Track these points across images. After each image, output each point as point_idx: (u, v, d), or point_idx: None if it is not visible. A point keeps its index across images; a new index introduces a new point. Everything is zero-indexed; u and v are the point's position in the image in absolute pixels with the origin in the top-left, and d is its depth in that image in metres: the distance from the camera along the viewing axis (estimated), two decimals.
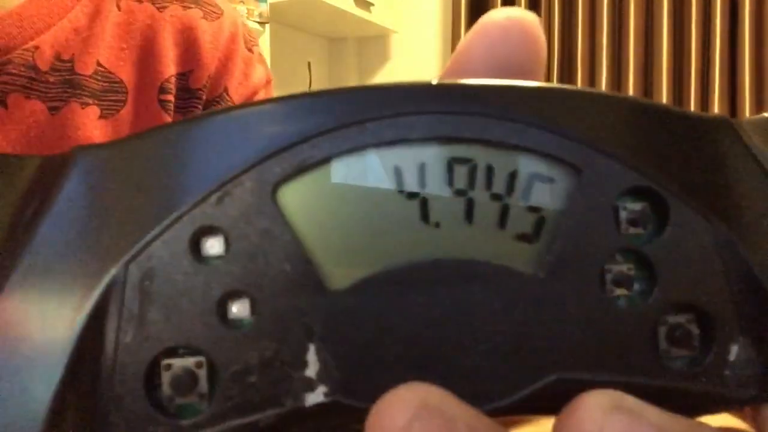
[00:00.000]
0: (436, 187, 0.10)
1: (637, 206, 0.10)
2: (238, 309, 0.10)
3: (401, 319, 0.10)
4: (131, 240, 0.10)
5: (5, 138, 0.28)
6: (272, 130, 0.10)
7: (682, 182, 0.10)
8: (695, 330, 0.10)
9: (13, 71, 0.28)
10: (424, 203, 0.10)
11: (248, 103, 0.11)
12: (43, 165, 0.11)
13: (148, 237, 0.10)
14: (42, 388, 0.10)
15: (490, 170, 0.10)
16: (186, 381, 0.10)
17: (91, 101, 0.30)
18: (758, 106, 2.09)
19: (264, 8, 2.16)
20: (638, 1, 2.19)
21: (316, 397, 0.10)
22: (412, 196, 0.10)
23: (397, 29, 2.64)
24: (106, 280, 0.10)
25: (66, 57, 0.30)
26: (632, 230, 0.10)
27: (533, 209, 0.10)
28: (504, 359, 0.10)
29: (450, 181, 0.10)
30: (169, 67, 0.33)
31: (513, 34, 0.12)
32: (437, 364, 0.10)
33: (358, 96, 0.10)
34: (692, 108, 2.18)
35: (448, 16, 2.59)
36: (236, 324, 0.10)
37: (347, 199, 0.10)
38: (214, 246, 0.10)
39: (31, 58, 0.29)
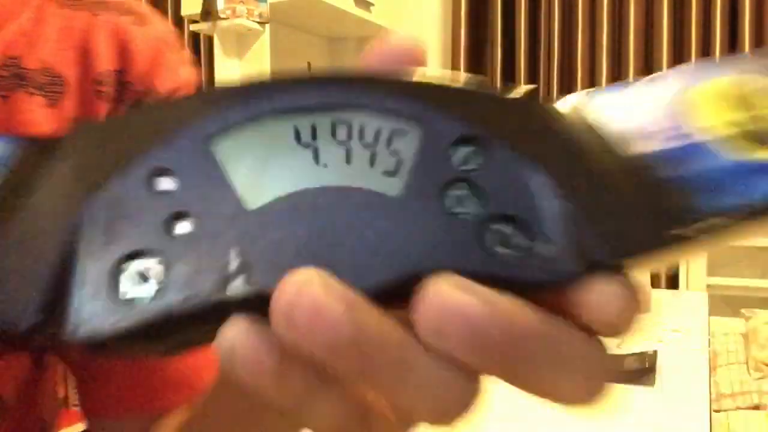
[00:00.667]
0: (324, 139, 0.14)
1: (466, 148, 0.14)
2: (180, 225, 0.13)
3: (300, 227, 0.13)
4: (103, 178, 0.14)
5: None
6: (207, 101, 0.15)
7: (500, 132, 0.14)
8: (512, 234, 0.13)
9: None
10: (316, 150, 0.14)
11: (195, 92, 0.16)
12: (50, 141, 0.16)
13: (116, 175, 0.14)
14: (34, 286, 0.13)
15: (362, 127, 0.14)
16: (139, 277, 0.13)
17: (36, 92, 0.36)
18: None
19: (264, 8, 2.16)
20: (638, 1, 2.19)
21: (236, 286, 0.13)
22: (306, 145, 0.14)
23: (397, 29, 2.63)
24: (83, 205, 0.14)
25: (14, 54, 0.36)
26: (464, 166, 0.14)
27: (393, 153, 0.14)
28: (373, 255, 0.13)
29: (334, 135, 0.14)
30: (104, 64, 0.38)
31: (403, 56, 0.16)
32: (326, 257, 0.13)
33: (270, 81, 0.15)
34: None
35: (448, 16, 2.59)
36: (178, 236, 0.13)
37: (262, 149, 0.14)
38: (164, 180, 0.14)
39: None
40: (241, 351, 0.12)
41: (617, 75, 2.25)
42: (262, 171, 0.14)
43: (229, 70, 2.18)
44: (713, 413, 1.26)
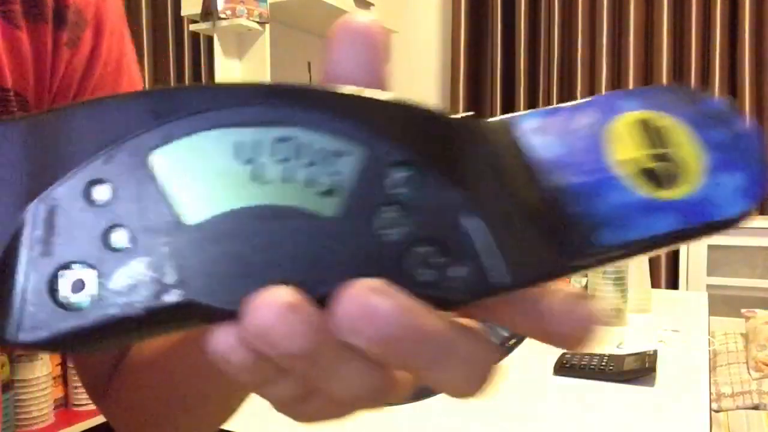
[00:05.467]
0: (264, 156, 0.14)
1: (400, 173, 0.15)
2: (118, 237, 0.14)
3: (237, 244, 0.14)
4: (41, 187, 0.14)
5: None
6: (148, 112, 0.15)
7: (432, 159, 0.15)
8: (431, 256, 0.14)
9: None
10: (256, 167, 0.14)
11: (133, 92, 0.15)
12: None
13: (54, 185, 0.14)
14: None
15: (302, 146, 0.14)
16: (77, 285, 0.14)
17: None
18: (758, 106, 2.09)
19: (264, 8, 2.16)
20: (638, 1, 2.19)
21: (171, 296, 0.14)
22: (247, 162, 0.14)
23: (397, 29, 2.64)
24: (21, 214, 0.14)
25: None
26: (396, 189, 0.15)
27: (332, 173, 0.14)
28: (307, 273, 0.14)
29: (274, 153, 0.14)
30: None
31: (366, 36, 0.16)
32: (260, 274, 0.14)
33: (212, 90, 0.15)
34: None
35: (448, 16, 2.59)
36: (116, 248, 0.14)
37: (201, 163, 0.14)
38: (101, 192, 0.14)
39: None
40: (280, 330, 0.14)
41: (617, 75, 2.25)
42: (201, 186, 0.14)
43: (229, 70, 2.18)
44: (713, 413, 1.26)
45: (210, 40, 2.25)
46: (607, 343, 1.07)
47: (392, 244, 0.14)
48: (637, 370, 0.93)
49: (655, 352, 0.99)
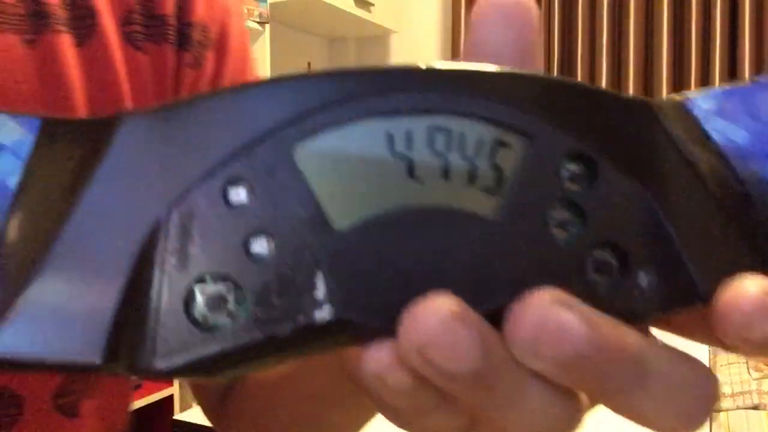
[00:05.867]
0: (419, 149, 0.13)
1: (574, 167, 0.13)
2: (260, 244, 0.12)
3: (392, 252, 0.12)
4: (173, 189, 0.13)
5: None
6: (291, 100, 0.13)
7: (609, 149, 0.13)
8: (614, 262, 0.13)
9: None
10: (410, 162, 0.13)
11: (275, 77, 0.13)
12: (93, 127, 0.14)
13: (188, 186, 0.13)
14: (103, 310, 0.12)
15: (462, 137, 0.13)
16: (217, 301, 0.12)
17: (63, 29, 0.29)
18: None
19: (264, 8, 2.16)
20: (638, 1, 2.19)
21: (323, 314, 0.12)
22: (400, 156, 0.13)
23: (397, 29, 2.63)
24: (153, 219, 0.13)
25: None
26: (570, 185, 0.13)
27: (496, 168, 0.13)
28: (471, 283, 0.12)
29: (431, 145, 0.13)
30: None
31: (519, 8, 0.15)
32: (420, 287, 0.12)
33: (359, 75, 0.13)
34: None
35: (448, 16, 2.59)
36: (258, 256, 0.12)
37: (350, 158, 0.13)
38: (240, 194, 0.12)
39: None
40: (445, 344, 0.12)
41: (617, 75, 2.24)
42: (351, 185, 0.12)
43: None
44: (713, 413, 1.26)
45: None
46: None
47: (568, 249, 0.12)
48: None
49: None
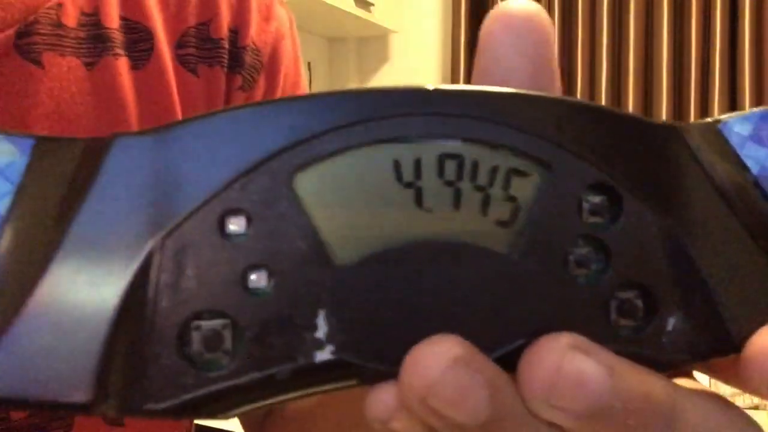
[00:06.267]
0: (428, 178, 0.12)
1: (596, 199, 0.12)
2: (258, 279, 0.12)
3: (398, 290, 0.12)
4: (166, 218, 0.12)
5: (48, 96, 0.29)
6: (291, 124, 0.12)
7: (635, 179, 0.12)
8: (640, 304, 0.12)
9: (42, 31, 0.29)
10: (419, 192, 0.12)
11: (270, 101, 0.12)
12: (86, 148, 0.13)
13: (182, 216, 0.12)
14: (90, 348, 0.11)
15: (475, 165, 0.12)
16: (213, 339, 0.12)
17: (121, 52, 0.31)
18: (758, 106, 2.09)
19: None
20: (638, 2, 2.19)
21: (324, 354, 0.12)
22: (408, 185, 0.12)
23: (397, 29, 2.63)
24: (145, 252, 0.12)
25: (89, 11, 0.30)
26: (592, 219, 0.12)
27: (510, 198, 0.12)
28: (482, 325, 0.12)
29: (441, 173, 0.12)
30: (188, 18, 0.32)
31: (526, 15, 0.14)
32: (427, 328, 0.11)
33: (364, 98, 0.12)
34: (692, 108, 2.18)
35: (448, 16, 2.59)
36: (256, 292, 0.12)
37: (353, 187, 0.12)
38: (237, 225, 0.12)
39: (56, 16, 0.29)
40: (448, 391, 0.11)
41: (617, 75, 2.25)
42: (355, 216, 0.12)
43: None
44: None
45: None
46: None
47: (590, 290, 0.12)
48: None
49: None
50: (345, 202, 0.12)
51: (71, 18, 0.30)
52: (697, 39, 2.14)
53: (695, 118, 2.17)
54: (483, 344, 0.11)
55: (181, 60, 0.32)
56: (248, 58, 0.34)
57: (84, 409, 0.12)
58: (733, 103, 2.11)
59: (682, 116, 2.20)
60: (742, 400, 1.40)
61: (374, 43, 2.78)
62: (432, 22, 2.67)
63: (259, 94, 0.35)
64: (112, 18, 0.31)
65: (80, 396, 0.11)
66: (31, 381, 0.11)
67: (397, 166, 0.12)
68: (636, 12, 2.20)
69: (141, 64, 0.31)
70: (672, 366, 0.12)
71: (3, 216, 0.12)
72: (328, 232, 0.12)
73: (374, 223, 0.12)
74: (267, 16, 0.36)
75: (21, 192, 0.12)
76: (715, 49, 2.10)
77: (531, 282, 0.12)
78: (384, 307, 0.12)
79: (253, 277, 0.12)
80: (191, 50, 0.32)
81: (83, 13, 0.30)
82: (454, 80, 2.51)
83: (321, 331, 0.12)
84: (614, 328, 0.12)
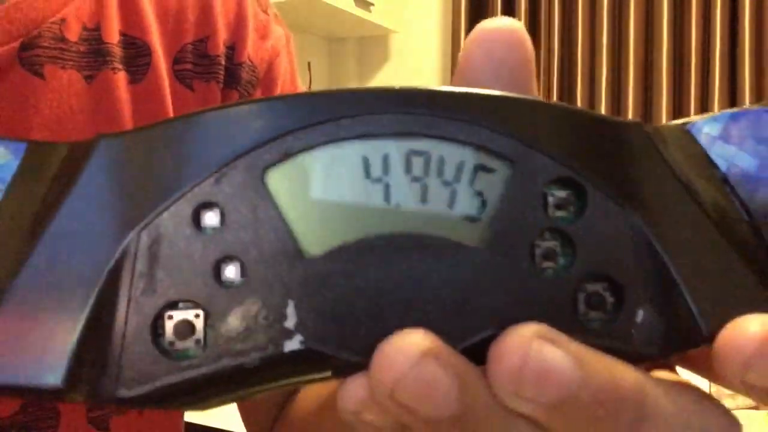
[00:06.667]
0: (396, 173, 0.12)
1: (561, 193, 0.12)
2: (230, 271, 0.12)
3: (366, 282, 0.12)
4: (143, 212, 0.12)
5: (48, 107, 0.30)
6: (262, 124, 0.12)
7: (600, 174, 0.12)
8: (608, 296, 0.12)
9: (45, 44, 0.30)
10: (387, 187, 0.12)
11: (243, 101, 0.13)
12: (72, 149, 0.13)
13: (158, 210, 0.12)
14: (65, 334, 0.12)
15: (441, 161, 0.12)
16: (185, 329, 0.12)
17: (120, 66, 0.32)
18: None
19: None
20: (638, 1, 2.19)
21: (293, 344, 0.12)
22: (376, 180, 0.12)
23: (397, 29, 2.64)
24: (122, 244, 0.12)
25: (91, 26, 0.31)
26: (557, 213, 0.12)
27: (477, 193, 0.12)
28: (449, 316, 0.12)
29: (408, 169, 0.12)
30: (186, 35, 0.34)
31: (506, 39, 0.14)
32: (395, 319, 0.12)
33: (333, 97, 0.13)
34: (692, 108, 2.18)
35: (448, 16, 2.59)
36: (228, 283, 0.12)
37: (323, 182, 0.12)
38: (211, 218, 0.12)
39: (59, 30, 0.30)
40: (415, 385, 0.11)
41: (617, 75, 2.25)
42: (325, 211, 0.12)
43: None
44: None
45: None
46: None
47: (557, 282, 0.12)
48: None
49: None
50: (315, 197, 0.12)
51: (73, 32, 0.30)
52: (697, 39, 2.14)
53: None
54: (451, 335, 0.12)
55: (177, 75, 0.33)
56: (244, 75, 0.35)
57: (56, 394, 0.12)
58: (733, 103, 2.11)
59: (682, 116, 2.20)
60: (742, 399, 1.40)
61: (374, 43, 2.78)
62: (432, 22, 2.67)
63: None
64: (113, 33, 0.31)
65: (52, 380, 0.12)
66: (4, 365, 0.12)
67: (365, 162, 0.12)
68: (636, 12, 2.20)
69: (139, 78, 0.32)
70: (643, 359, 0.12)
71: None
72: (298, 225, 0.12)
73: (343, 217, 0.12)
74: (263, 34, 0.37)
75: (10, 190, 0.13)
76: (715, 49, 2.10)
77: (499, 275, 0.12)
78: (353, 298, 0.12)
79: (225, 268, 0.12)
80: (188, 66, 0.33)
81: (85, 28, 0.31)
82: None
83: (290, 321, 0.12)
84: (583, 321, 0.12)
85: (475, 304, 0.12)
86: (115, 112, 0.31)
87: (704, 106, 2.16)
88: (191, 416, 0.93)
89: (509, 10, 2.41)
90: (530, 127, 0.12)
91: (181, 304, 0.12)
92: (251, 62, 0.36)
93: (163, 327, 0.12)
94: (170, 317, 0.12)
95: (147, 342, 0.12)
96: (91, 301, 0.12)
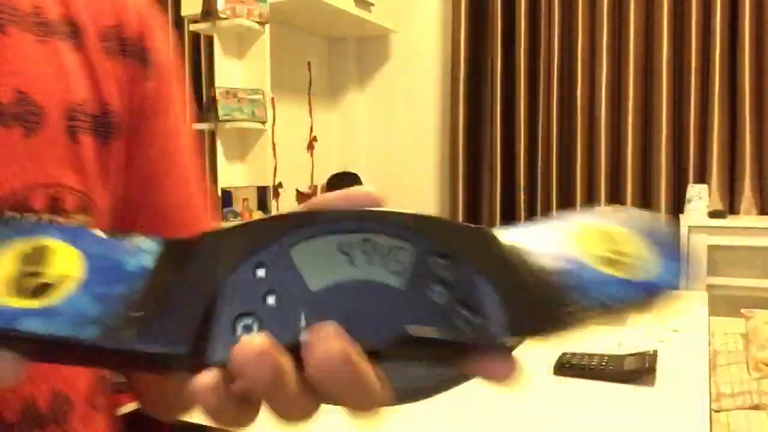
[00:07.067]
0: (356, 250, 0.22)
1: (442, 261, 0.22)
2: (271, 298, 0.21)
3: (340, 303, 0.21)
4: (228, 268, 0.22)
5: None
6: (290, 224, 0.23)
7: (463, 251, 0.23)
8: (467, 314, 0.21)
9: None
10: (351, 257, 0.22)
11: (276, 216, 0.23)
12: (187, 241, 0.23)
13: (235, 266, 0.22)
14: (193, 318, 0.21)
15: (377, 243, 0.22)
16: (247, 327, 0.21)
17: (13, 123, 0.34)
18: (758, 106, 2.09)
19: (264, 8, 2.16)
20: (638, 1, 2.19)
21: (302, 337, 0.20)
22: (346, 254, 0.22)
23: (397, 29, 2.64)
24: (219, 281, 0.22)
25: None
26: (441, 271, 0.22)
27: (398, 262, 0.22)
28: (380, 324, 0.21)
29: (362, 248, 0.22)
30: (81, 92, 0.37)
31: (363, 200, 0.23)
32: (354, 323, 0.20)
33: (324, 214, 0.23)
34: (692, 108, 2.18)
35: (448, 16, 2.59)
36: (270, 305, 0.21)
37: (320, 254, 0.22)
38: (261, 271, 0.22)
39: None
40: (268, 368, 0.20)
41: (617, 75, 2.25)
42: (320, 267, 0.22)
43: (229, 70, 2.18)
44: (713, 413, 1.26)
45: (210, 40, 2.24)
46: (607, 343, 1.07)
47: (441, 307, 0.21)
48: (637, 370, 0.93)
49: (655, 352, 0.99)
50: (315, 260, 0.22)
51: None
52: (697, 39, 2.14)
53: (695, 117, 2.17)
54: (379, 335, 0.20)
55: (70, 130, 0.36)
56: (114, 120, 0.39)
57: (184, 360, 0.20)
58: (733, 103, 2.11)
59: (682, 116, 2.20)
60: (742, 400, 1.40)
61: (374, 43, 2.78)
62: (432, 22, 2.67)
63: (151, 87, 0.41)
64: (5, 92, 0.34)
65: (181, 349, 0.20)
66: (139, 337, 0.21)
67: (340, 244, 0.22)
68: (636, 12, 2.20)
69: (31, 134, 0.35)
70: (498, 344, 0.21)
71: (149, 269, 0.23)
72: (306, 273, 0.22)
73: (329, 270, 0.22)
74: (165, 31, 0.43)
75: (157, 261, 0.23)
76: (715, 49, 2.10)
77: (409, 302, 0.21)
78: (333, 311, 0.21)
79: (268, 297, 0.21)
80: (80, 122, 0.37)
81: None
82: (454, 79, 2.51)
83: (303, 323, 0.21)
84: (456, 327, 0.21)
85: (395, 318, 0.21)
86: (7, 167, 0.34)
87: (704, 107, 2.16)
88: (191, 416, 0.93)
89: (509, 10, 2.41)
90: (424, 227, 0.23)
91: (245, 315, 0.21)
92: (157, 56, 0.41)
93: (236, 325, 0.21)
94: (240, 320, 0.21)
95: (228, 334, 0.21)
96: (204, 307, 0.22)
